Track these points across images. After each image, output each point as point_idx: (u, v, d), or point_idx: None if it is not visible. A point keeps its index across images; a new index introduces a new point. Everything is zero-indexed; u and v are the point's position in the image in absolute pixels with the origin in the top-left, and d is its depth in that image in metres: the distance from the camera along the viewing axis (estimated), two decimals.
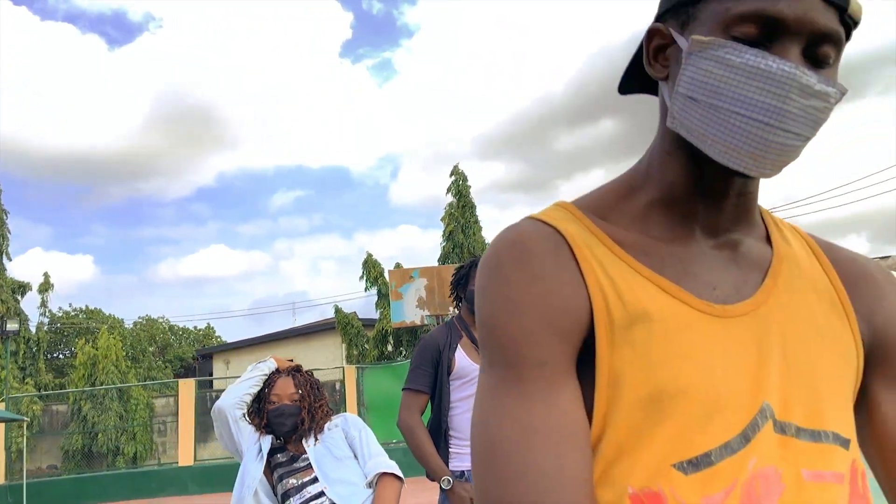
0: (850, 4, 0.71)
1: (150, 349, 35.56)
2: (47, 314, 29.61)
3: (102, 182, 65.75)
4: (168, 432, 24.09)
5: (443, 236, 20.47)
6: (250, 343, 30.69)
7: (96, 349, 26.53)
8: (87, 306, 36.54)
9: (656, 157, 0.79)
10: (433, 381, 2.77)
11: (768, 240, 0.80)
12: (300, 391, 2.44)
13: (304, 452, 2.39)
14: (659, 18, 0.77)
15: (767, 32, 0.67)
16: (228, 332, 47.93)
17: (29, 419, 16.23)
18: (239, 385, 2.51)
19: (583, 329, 0.69)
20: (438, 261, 20.22)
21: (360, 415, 12.44)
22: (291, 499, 2.30)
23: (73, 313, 35.45)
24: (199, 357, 34.56)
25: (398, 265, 19.27)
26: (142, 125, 62.51)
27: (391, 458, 2.46)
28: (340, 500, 2.25)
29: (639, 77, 0.86)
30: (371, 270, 20.33)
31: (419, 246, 68.80)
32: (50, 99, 57.88)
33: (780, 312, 0.73)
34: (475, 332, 2.82)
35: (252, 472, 2.37)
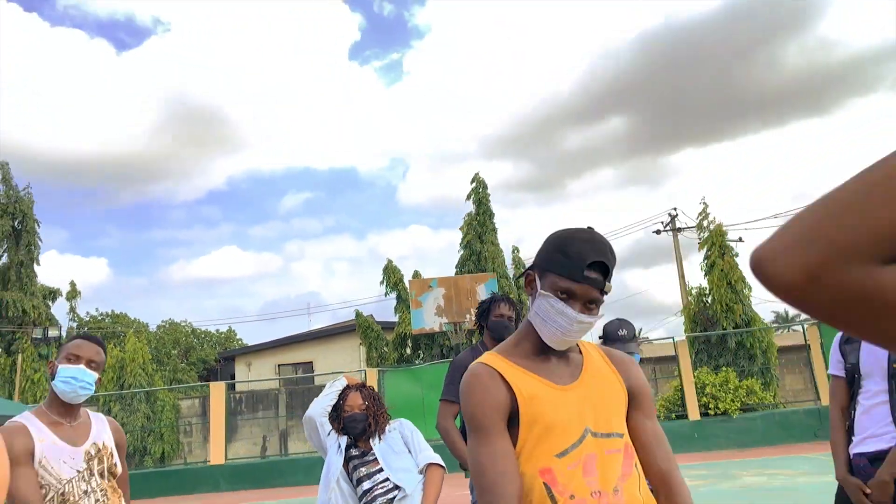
0: (606, 287, 1.58)
1: (174, 352, 36.46)
2: (76, 319, 30.48)
3: (113, 185, 66.36)
4: (193, 433, 24.97)
5: (460, 244, 21.06)
6: (271, 346, 31.19)
7: (124, 353, 27.44)
8: (112, 311, 37.52)
9: (527, 328, 1.69)
10: None
11: (580, 353, 1.73)
12: (366, 402, 3.20)
13: (372, 449, 3.14)
14: (532, 266, 1.68)
15: (568, 296, 1.56)
16: (243, 333, 48.88)
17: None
18: (322, 399, 3.28)
19: (509, 408, 1.57)
20: (455, 267, 20.85)
21: None
22: (363, 483, 3.06)
23: (99, 318, 36.37)
24: (221, 359, 35.35)
25: (416, 273, 19.99)
26: (151, 128, 62.85)
27: None
28: (400, 483, 3.01)
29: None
30: (391, 276, 21.03)
31: (430, 246, 68.95)
32: (60, 104, 58.50)
33: (589, 384, 1.64)
34: None
35: (335, 463, 3.13)
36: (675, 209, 27.75)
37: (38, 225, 29.23)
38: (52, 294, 30.39)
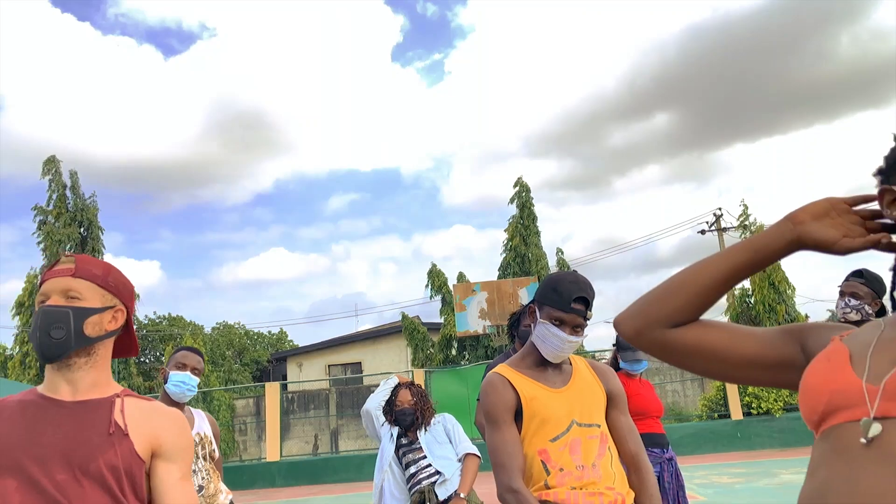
0: (588, 315, 2.11)
1: (228, 353, 37.72)
2: (136, 322, 31.89)
3: (163, 189, 67.51)
4: (248, 431, 25.97)
5: (504, 246, 21.52)
6: (320, 347, 31.97)
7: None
8: (169, 314, 38.98)
9: (531, 346, 2.22)
10: None
11: (571, 365, 2.27)
12: (415, 398, 3.74)
13: (418, 439, 3.69)
14: (532, 301, 2.11)
15: (560, 323, 2.11)
16: (293, 335, 50.14)
17: None
18: (377, 395, 3.85)
19: (515, 405, 2.11)
20: (499, 270, 21.32)
21: None
22: (411, 467, 3.60)
23: (157, 320, 37.81)
24: (273, 360, 36.42)
25: (460, 276, 20.55)
26: (198, 133, 63.97)
27: None
28: (441, 468, 3.54)
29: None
30: (435, 280, 21.59)
31: (474, 246, 69.24)
32: (112, 111, 59.84)
33: (576, 388, 2.18)
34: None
35: (388, 450, 3.69)
36: (720, 209, 27.63)
37: (102, 232, 30.67)
38: None
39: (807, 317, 18.60)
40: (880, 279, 3.33)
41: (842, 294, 3.29)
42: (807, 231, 1.08)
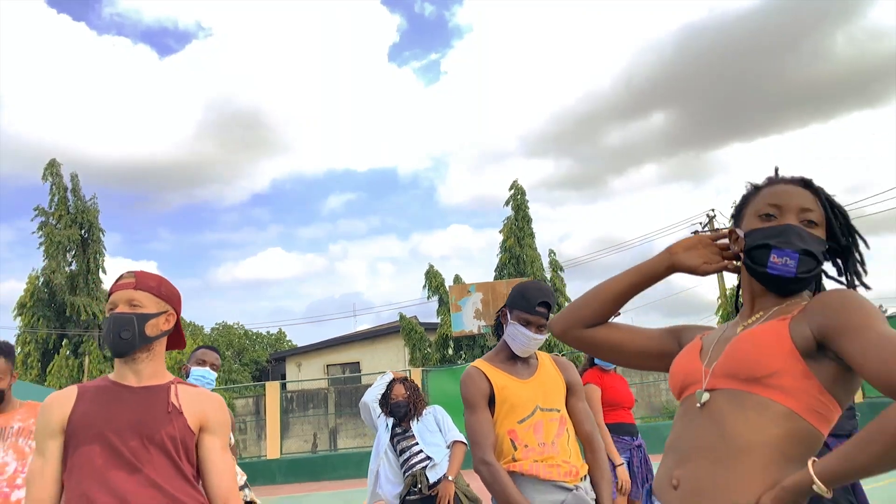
0: (549, 315, 2.46)
1: (228, 353, 38.06)
2: None
3: (160, 190, 67.05)
4: (248, 430, 26.35)
5: (500, 247, 21.95)
6: (320, 347, 32.27)
7: (182, 354, 29.06)
8: None
9: (503, 344, 2.63)
10: None
11: (536, 359, 2.65)
12: (408, 392, 4.14)
13: (411, 428, 4.09)
14: (504, 306, 2.51)
15: (527, 324, 2.50)
16: (291, 334, 50.47)
17: None
18: (374, 389, 4.25)
19: (489, 393, 2.49)
20: (495, 271, 21.76)
21: None
22: (405, 453, 4.01)
23: None
24: (272, 360, 36.76)
25: (457, 278, 20.97)
26: (195, 133, 63.56)
27: None
28: (432, 454, 3.93)
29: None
30: (432, 280, 22.02)
31: (471, 245, 69.19)
32: (108, 111, 59.41)
33: (540, 378, 2.57)
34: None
35: (384, 438, 4.09)
36: (713, 210, 28.01)
37: (103, 234, 31.07)
38: None
39: None
40: None
41: None
42: (678, 259, 1.51)
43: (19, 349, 30.32)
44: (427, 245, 72.70)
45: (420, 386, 17.73)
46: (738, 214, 1.49)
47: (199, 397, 1.94)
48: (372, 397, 4.23)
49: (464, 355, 20.98)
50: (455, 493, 3.78)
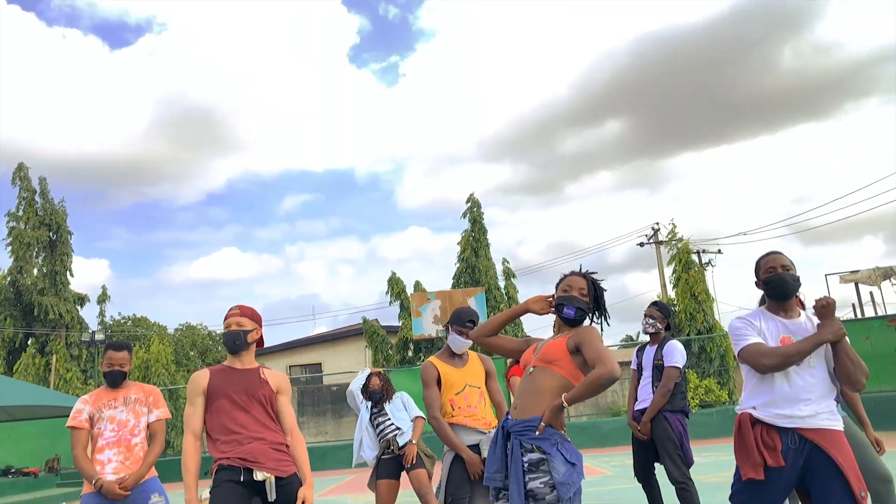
0: (473, 327, 4.07)
1: (192, 353, 38.91)
2: (102, 324, 32.78)
3: (111, 187, 65.69)
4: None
5: (458, 257, 23.53)
6: (283, 348, 33.21)
7: (149, 354, 29.87)
8: (134, 314, 40.00)
9: (447, 347, 4.18)
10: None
11: (468, 356, 4.11)
12: (381, 383, 5.64)
13: (384, 408, 5.58)
14: (448, 323, 4.10)
15: (459, 332, 3.96)
16: None
17: None
18: (357, 381, 5.74)
19: (437, 377, 4.03)
20: (452, 279, 23.33)
21: None
22: (380, 426, 5.50)
23: (122, 321, 38.73)
24: None
25: (417, 285, 22.51)
26: (146, 129, 61.94)
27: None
28: (400, 425, 5.43)
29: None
30: (394, 287, 23.48)
31: (429, 248, 68.12)
32: (57, 104, 58.03)
33: (469, 367, 4.09)
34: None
35: (364, 417, 5.56)
36: (657, 223, 29.95)
37: (71, 235, 31.74)
38: (82, 300, 32.72)
39: (719, 323, 20.96)
40: (667, 307, 5.41)
41: (645, 316, 5.32)
42: (529, 307, 3.08)
43: None
44: (385, 247, 72.56)
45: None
46: (557, 287, 3.06)
47: (276, 375, 3.42)
48: (356, 387, 5.73)
49: (422, 357, 22.47)
50: (416, 451, 5.29)
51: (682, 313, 20.43)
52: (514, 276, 23.47)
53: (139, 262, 73.71)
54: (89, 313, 38.92)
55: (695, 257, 23.21)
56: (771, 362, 2.78)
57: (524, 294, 24.58)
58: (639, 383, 5.28)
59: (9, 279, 30.80)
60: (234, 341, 3.34)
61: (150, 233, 73.66)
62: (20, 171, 31.27)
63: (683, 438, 5.00)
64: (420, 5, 79.58)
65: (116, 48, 71.78)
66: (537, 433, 2.68)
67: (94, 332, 28.68)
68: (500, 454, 2.80)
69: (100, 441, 4.03)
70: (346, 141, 72.61)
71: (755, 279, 3.10)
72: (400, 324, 23.48)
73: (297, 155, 73.29)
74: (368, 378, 5.69)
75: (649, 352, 5.25)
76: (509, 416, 2.91)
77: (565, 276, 3.03)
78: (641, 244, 30.61)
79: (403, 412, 5.53)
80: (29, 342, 30.66)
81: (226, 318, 3.43)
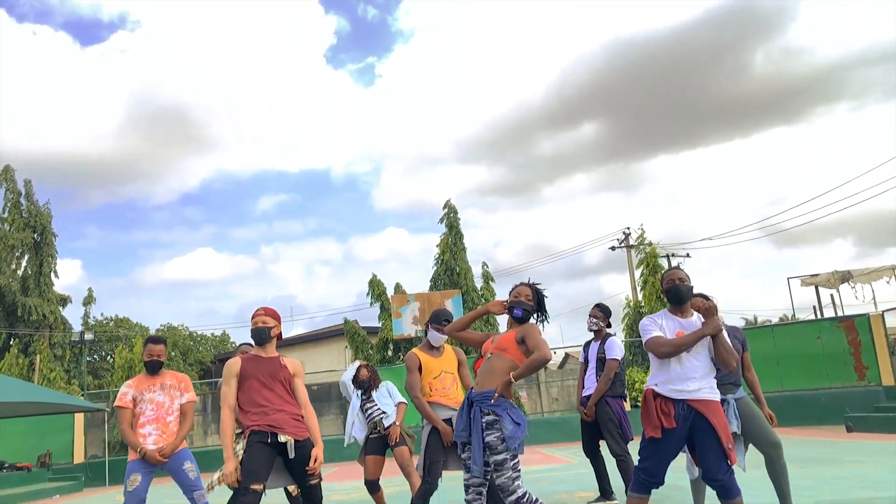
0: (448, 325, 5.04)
1: (173, 353, 39.41)
2: (90, 323, 33.30)
3: (82, 185, 64.58)
4: (195, 426, 28.07)
5: (435, 260, 24.46)
6: None
7: (132, 354, 30.45)
8: (116, 315, 40.41)
9: (427, 340, 5.12)
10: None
11: (444, 348, 5.08)
12: (369, 374, 6.56)
13: (372, 395, 6.51)
14: (428, 322, 5.08)
15: (438, 330, 4.84)
16: (233, 336, 50.57)
17: (109, 409, 19.86)
18: (348, 373, 6.66)
19: (419, 364, 5.01)
20: (430, 281, 24.26)
21: None
22: (369, 410, 6.39)
23: (104, 321, 39.14)
24: (217, 361, 38.31)
25: (398, 287, 23.41)
26: (119, 128, 61.56)
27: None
28: (385, 409, 6.35)
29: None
30: (375, 289, 24.36)
31: (406, 249, 68.67)
32: (27, 101, 57.51)
33: (445, 357, 5.08)
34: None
35: (356, 403, 6.46)
36: (628, 228, 31.06)
37: (56, 237, 32.19)
38: (64, 300, 33.18)
39: None
40: (608, 308, 6.42)
41: (589, 316, 6.31)
42: (488, 308, 4.04)
43: None
44: (361, 247, 72.57)
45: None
46: (510, 294, 4.03)
47: (292, 362, 4.33)
48: (347, 378, 6.67)
49: (402, 356, 23.35)
50: (399, 432, 6.24)
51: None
52: (492, 280, 24.45)
53: (112, 262, 72.89)
54: (70, 314, 39.16)
55: (664, 261, 24.35)
56: (667, 350, 3.77)
57: (501, 295, 25.76)
58: (585, 374, 6.27)
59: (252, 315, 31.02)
60: (261, 335, 4.26)
61: (123, 233, 72.90)
62: (6, 173, 31.67)
63: (622, 419, 6.01)
64: (398, 6, 79.90)
65: (88, 45, 70.98)
66: (493, 401, 3.65)
67: (82, 332, 29.12)
68: (466, 417, 3.77)
69: (141, 419, 4.93)
70: (322, 141, 72.21)
71: (661, 288, 4.10)
72: (380, 324, 24.33)
73: (273, 155, 72.96)
74: (358, 370, 6.62)
75: (593, 347, 6.24)
76: (473, 390, 3.87)
77: (516, 286, 4.00)
78: (613, 248, 31.80)
79: (388, 399, 6.48)
80: (12, 342, 31.04)
81: (253, 317, 4.34)
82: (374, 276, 24.33)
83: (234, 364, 4.22)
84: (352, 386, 6.62)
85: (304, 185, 79.01)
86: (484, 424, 3.62)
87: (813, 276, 29.10)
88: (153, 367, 5.07)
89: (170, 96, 64.36)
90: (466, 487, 3.75)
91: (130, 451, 4.88)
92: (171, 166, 70.48)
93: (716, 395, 3.82)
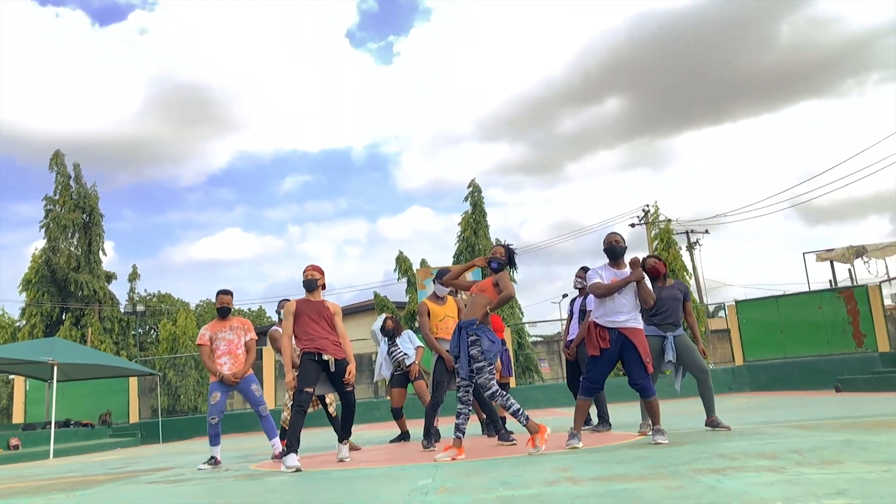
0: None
1: None
2: (135, 299, 35.33)
3: (108, 167, 65.82)
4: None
5: (458, 237, 25.88)
6: None
7: (176, 327, 32.41)
8: (159, 291, 42.53)
9: (434, 293, 6.53)
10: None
11: (447, 298, 6.55)
12: (394, 324, 8.00)
13: (396, 341, 7.98)
14: (435, 278, 6.52)
15: (443, 284, 6.36)
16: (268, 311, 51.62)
17: (160, 373, 21.49)
18: (376, 324, 8.11)
19: (428, 311, 6.58)
20: (453, 257, 25.71)
21: None
22: (393, 353, 7.82)
23: (148, 297, 41.19)
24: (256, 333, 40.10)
25: (423, 262, 24.93)
26: (142, 109, 62.26)
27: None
28: (407, 352, 7.81)
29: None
30: (402, 265, 25.90)
31: (428, 227, 67.63)
32: (51, 84, 58.53)
33: (448, 305, 6.49)
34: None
35: (384, 348, 7.93)
36: (647, 205, 32.02)
37: (102, 217, 34.21)
38: (109, 277, 35.25)
39: (694, 296, 23.18)
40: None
41: (576, 276, 7.67)
42: (474, 262, 5.49)
43: (25, 321, 33.38)
44: (384, 226, 71.97)
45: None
46: (490, 252, 5.43)
47: (334, 305, 5.76)
48: (376, 327, 8.15)
49: None
50: (418, 370, 7.72)
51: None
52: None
53: (142, 242, 73.33)
54: (115, 290, 41.34)
55: (682, 237, 25.36)
56: (602, 292, 5.14)
57: (523, 271, 26.75)
58: (570, 323, 7.66)
59: (42, 258, 33.15)
60: (311, 284, 5.71)
61: (151, 214, 73.31)
62: (56, 157, 33.69)
63: None
64: None
65: (106, 24, 71.25)
66: (476, 326, 5.08)
67: (135, 305, 31.02)
68: (456, 339, 5.20)
69: (217, 352, 6.44)
70: (341, 121, 71.43)
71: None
72: (407, 298, 25.87)
73: (293, 134, 72.52)
74: (385, 321, 8.10)
75: (577, 301, 7.61)
76: (462, 319, 5.31)
77: (494, 247, 5.41)
78: (633, 225, 32.81)
79: (409, 344, 7.95)
80: (64, 316, 33.21)
81: (305, 271, 5.78)
82: (401, 252, 25.85)
83: (291, 305, 5.67)
84: (380, 334, 8.10)
85: (326, 166, 79.24)
86: (469, 342, 5.05)
87: (828, 251, 29.84)
88: (223, 313, 6.57)
89: (189, 76, 64.74)
90: (458, 387, 5.19)
91: (211, 376, 6.41)
92: (195, 147, 70.72)
93: (640, 325, 5.18)
